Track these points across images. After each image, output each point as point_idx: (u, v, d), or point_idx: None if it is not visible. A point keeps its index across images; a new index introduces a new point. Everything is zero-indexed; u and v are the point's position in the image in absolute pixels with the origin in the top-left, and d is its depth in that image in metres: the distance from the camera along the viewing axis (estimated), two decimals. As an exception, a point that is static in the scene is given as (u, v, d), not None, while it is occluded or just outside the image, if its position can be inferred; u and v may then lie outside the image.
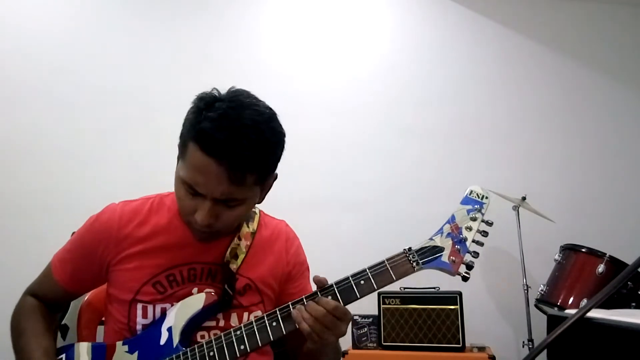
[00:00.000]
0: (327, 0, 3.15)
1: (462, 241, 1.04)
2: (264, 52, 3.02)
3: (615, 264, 2.19)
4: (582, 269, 2.28)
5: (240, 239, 1.15)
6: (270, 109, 1.05)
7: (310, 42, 3.08)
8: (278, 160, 1.07)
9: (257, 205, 1.13)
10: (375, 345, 2.40)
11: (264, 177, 1.04)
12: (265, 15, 3.12)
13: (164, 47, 3.01)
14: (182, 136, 1.02)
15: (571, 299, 2.24)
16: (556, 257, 2.41)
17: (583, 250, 2.31)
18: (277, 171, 1.10)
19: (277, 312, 1.03)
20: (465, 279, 1.03)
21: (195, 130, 0.97)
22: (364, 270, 1.03)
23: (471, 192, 1.09)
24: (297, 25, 3.11)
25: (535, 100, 3.03)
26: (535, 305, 2.44)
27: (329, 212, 2.86)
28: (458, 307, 2.34)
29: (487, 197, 1.08)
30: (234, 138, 0.95)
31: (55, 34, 2.98)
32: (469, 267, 1.03)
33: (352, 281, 1.02)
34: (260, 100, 1.04)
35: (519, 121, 3.01)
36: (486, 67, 3.07)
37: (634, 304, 2.05)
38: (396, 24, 3.14)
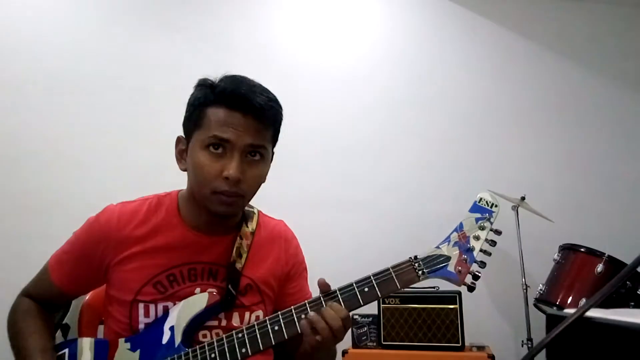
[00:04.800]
0: (326, 0, 3.15)
1: (470, 250, 1.02)
2: (264, 53, 3.02)
3: (614, 264, 2.20)
4: (581, 269, 2.28)
5: (242, 239, 1.16)
6: None
7: (309, 42, 3.08)
8: (280, 130, 1.15)
9: (255, 199, 1.14)
10: (375, 344, 2.40)
11: (275, 137, 1.13)
12: (266, 16, 3.12)
13: (165, 47, 3.00)
14: (192, 112, 1.08)
15: (570, 299, 2.24)
16: (555, 256, 2.41)
17: (582, 250, 2.31)
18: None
19: (280, 316, 1.03)
20: (471, 289, 1.02)
21: (213, 95, 1.06)
22: (368, 278, 1.02)
23: (480, 199, 1.05)
24: (297, 26, 3.11)
25: (534, 100, 3.03)
26: (534, 305, 2.45)
27: (328, 212, 2.86)
28: (457, 306, 2.35)
29: (496, 205, 1.05)
30: (254, 93, 1.05)
31: (55, 33, 2.97)
32: (476, 277, 1.01)
33: (356, 288, 1.01)
34: None
35: (518, 121, 3.01)
36: (486, 66, 3.07)
37: (632, 303, 2.06)
38: (396, 24, 3.14)
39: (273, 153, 1.16)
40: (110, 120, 2.89)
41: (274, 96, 1.10)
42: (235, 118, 1.04)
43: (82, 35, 3.00)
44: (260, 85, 1.09)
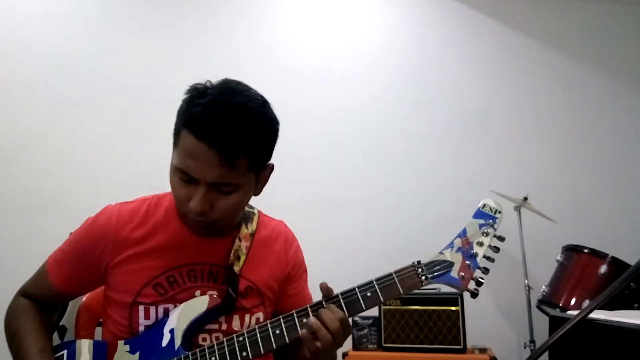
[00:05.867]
0: (325, 0, 3.15)
1: (473, 256, 1.01)
2: (264, 53, 3.02)
3: (617, 265, 2.19)
4: (584, 270, 2.27)
5: (240, 240, 1.15)
6: (262, 96, 1.05)
7: (310, 41, 3.08)
8: (272, 147, 1.06)
9: (254, 199, 1.12)
10: (375, 346, 2.39)
11: (258, 163, 1.03)
12: (265, 15, 3.12)
13: (165, 47, 3.01)
14: (175, 126, 1.02)
15: (573, 300, 2.23)
16: (558, 257, 2.40)
17: (585, 250, 2.30)
18: (275, 167, 1.10)
19: (281, 320, 1.02)
20: (474, 295, 1.02)
21: (186, 116, 0.98)
22: (371, 282, 1.01)
23: (484, 205, 1.05)
24: (298, 25, 3.11)
25: (536, 100, 3.03)
26: (537, 306, 2.43)
27: (328, 213, 2.86)
28: (459, 308, 2.34)
29: (500, 212, 1.05)
30: (224, 121, 0.96)
31: (55, 33, 2.98)
32: (479, 283, 1.01)
33: (358, 293, 1.01)
34: (252, 89, 1.05)
35: (521, 121, 3.00)
36: (487, 65, 3.06)
37: (636, 305, 2.05)
38: (396, 23, 3.14)
39: (272, 165, 1.10)
40: (110, 119, 2.90)
41: (256, 119, 0.99)
42: (202, 150, 0.96)
43: (82, 35, 3.00)
44: (241, 108, 0.98)
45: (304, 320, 1.00)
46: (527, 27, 3.09)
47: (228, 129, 0.95)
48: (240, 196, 1.03)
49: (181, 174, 1.00)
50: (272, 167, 1.10)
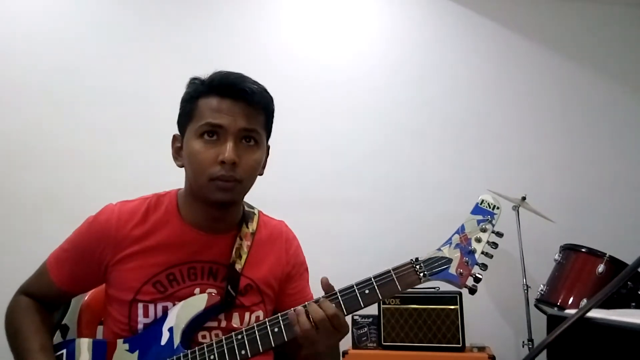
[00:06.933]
0: (324, 0, 3.15)
1: (471, 253, 1.01)
2: (264, 53, 3.02)
3: (615, 264, 2.19)
4: (582, 269, 2.28)
5: (242, 239, 1.15)
6: None
7: (309, 43, 3.08)
8: (273, 120, 1.16)
9: (255, 200, 1.14)
10: (375, 345, 2.40)
11: (269, 124, 1.14)
12: (265, 16, 3.12)
13: (165, 47, 3.00)
14: (185, 108, 1.11)
15: (571, 299, 2.24)
16: (556, 257, 2.41)
17: (583, 250, 2.31)
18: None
19: (280, 317, 1.02)
20: (472, 292, 1.01)
21: (204, 86, 1.09)
22: (369, 279, 1.01)
23: (482, 201, 1.05)
24: (298, 25, 3.11)
25: (534, 100, 3.03)
26: (535, 305, 2.44)
27: (328, 213, 2.86)
28: (458, 307, 2.35)
29: (498, 208, 1.04)
30: (243, 80, 1.09)
31: (55, 34, 2.98)
32: (477, 279, 1.00)
33: (356, 290, 1.01)
34: None
35: (520, 121, 3.00)
36: (486, 67, 3.07)
37: (633, 303, 2.06)
38: (396, 23, 3.14)
39: (269, 147, 1.17)
40: (109, 119, 2.90)
41: (264, 87, 1.13)
42: (227, 104, 1.06)
43: (82, 35, 3.00)
44: (250, 78, 1.12)
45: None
46: (526, 28, 3.09)
47: (247, 87, 1.07)
48: (258, 153, 1.10)
49: (207, 134, 1.06)
50: (268, 148, 1.18)
